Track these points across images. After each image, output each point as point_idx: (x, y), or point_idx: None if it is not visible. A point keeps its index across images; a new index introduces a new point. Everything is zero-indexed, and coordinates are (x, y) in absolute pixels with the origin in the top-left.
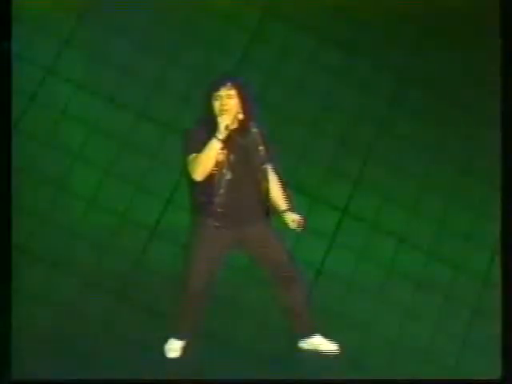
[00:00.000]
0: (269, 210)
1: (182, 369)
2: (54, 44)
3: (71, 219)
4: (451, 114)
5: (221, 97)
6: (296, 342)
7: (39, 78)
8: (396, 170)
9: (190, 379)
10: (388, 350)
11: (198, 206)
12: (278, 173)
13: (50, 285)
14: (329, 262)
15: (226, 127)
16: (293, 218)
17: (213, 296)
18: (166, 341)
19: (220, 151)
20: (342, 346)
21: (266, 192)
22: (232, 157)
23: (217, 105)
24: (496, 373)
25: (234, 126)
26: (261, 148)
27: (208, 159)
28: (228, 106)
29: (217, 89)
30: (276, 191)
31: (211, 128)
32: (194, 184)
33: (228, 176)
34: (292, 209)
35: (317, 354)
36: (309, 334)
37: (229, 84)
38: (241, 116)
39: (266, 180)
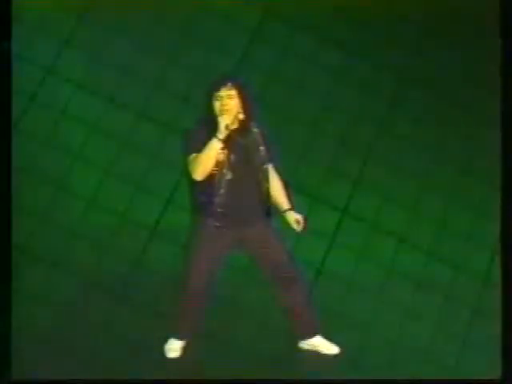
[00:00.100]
0: (269, 210)
1: (182, 369)
2: (54, 44)
3: (71, 219)
4: (451, 114)
5: (221, 97)
6: (296, 342)
7: (39, 78)
8: (396, 170)
9: (190, 379)
10: (388, 349)
11: (198, 205)
12: (278, 173)
13: (49, 285)
14: (329, 262)
15: (227, 127)
16: (295, 218)
17: (213, 296)
18: (165, 341)
19: (220, 151)
20: (342, 346)
21: (267, 192)
22: (232, 157)
23: (217, 105)
24: (496, 373)
25: (235, 126)
26: (261, 148)
27: (208, 159)
28: (228, 106)
29: (217, 89)
30: (277, 191)
31: (212, 128)
32: (194, 184)
33: (228, 176)
34: (293, 208)
35: (317, 354)
36: (309, 335)
37: (229, 84)
38: (241, 116)
39: (267, 180)
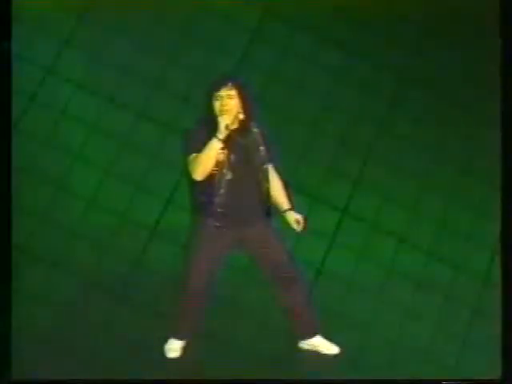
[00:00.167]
0: (269, 210)
1: (182, 369)
2: (54, 44)
3: (71, 219)
4: (451, 114)
5: (221, 97)
6: (296, 342)
7: (39, 78)
8: (396, 170)
9: (190, 379)
10: (388, 349)
11: (198, 205)
12: (278, 173)
13: (50, 285)
14: (329, 262)
15: (227, 127)
16: (295, 218)
17: (213, 296)
18: (165, 341)
19: (220, 151)
20: (342, 346)
21: (267, 192)
22: (232, 157)
23: (217, 105)
24: (496, 373)
25: (235, 126)
26: (261, 148)
27: (208, 159)
28: (228, 106)
29: (217, 89)
30: (277, 190)
31: (212, 128)
32: (194, 184)
33: (228, 176)
34: (293, 208)
35: (317, 354)
36: (309, 335)
37: (229, 84)
38: (241, 116)
39: (267, 180)
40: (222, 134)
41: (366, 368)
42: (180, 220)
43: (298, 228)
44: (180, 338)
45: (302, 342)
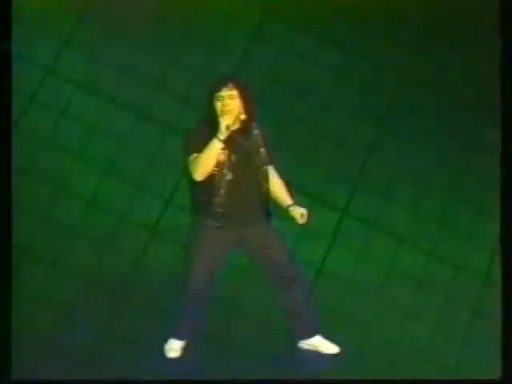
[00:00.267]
0: (269, 210)
1: (182, 369)
2: (54, 44)
3: (71, 219)
4: (451, 114)
5: (222, 97)
6: (296, 342)
7: (39, 78)
8: (396, 170)
9: (190, 379)
10: (388, 349)
11: (198, 206)
12: (278, 173)
13: (50, 285)
14: (329, 262)
15: (227, 127)
16: (300, 212)
17: (213, 296)
18: (166, 341)
19: (221, 151)
20: (342, 346)
21: (267, 193)
22: (233, 157)
23: (218, 105)
24: (496, 373)
25: (236, 126)
26: (262, 150)
27: (209, 159)
28: (230, 107)
29: (218, 89)
30: (279, 188)
31: (212, 128)
32: (194, 184)
33: (229, 176)
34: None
35: (317, 354)
36: (309, 334)
37: (230, 84)
38: (243, 116)
39: (267, 181)
40: (223, 134)
41: (366, 368)
42: (180, 220)
43: (302, 221)
44: (180, 338)
45: (302, 341)
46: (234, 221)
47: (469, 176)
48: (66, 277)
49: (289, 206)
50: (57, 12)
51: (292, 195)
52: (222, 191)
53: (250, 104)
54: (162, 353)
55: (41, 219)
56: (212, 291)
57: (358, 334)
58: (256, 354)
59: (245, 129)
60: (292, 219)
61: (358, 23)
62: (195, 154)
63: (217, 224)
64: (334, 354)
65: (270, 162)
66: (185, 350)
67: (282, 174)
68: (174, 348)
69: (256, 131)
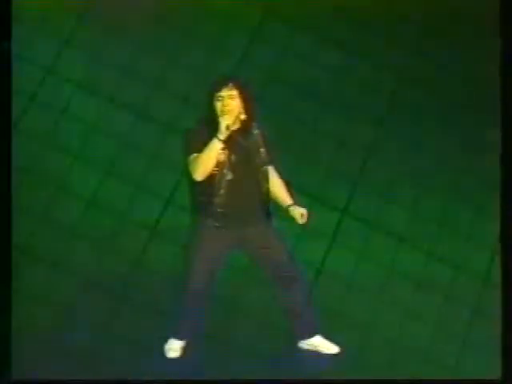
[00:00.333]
0: (269, 210)
1: (182, 369)
2: (54, 44)
3: (71, 219)
4: (451, 114)
5: (222, 97)
6: (296, 342)
7: (39, 78)
8: (396, 170)
9: (190, 379)
10: (388, 349)
11: (198, 206)
12: (278, 173)
13: (50, 285)
14: (329, 262)
15: (228, 127)
16: (300, 212)
17: (213, 296)
18: (166, 341)
19: (221, 151)
20: (342, 346)
21: (267, 193)
22: (233, 157)
23: (218, 105)
24: (496, 373)
25: (236, 126)
26: (262, 150)
27: (209, 159)
28: (230, 107)
29: (218, 89)
30: (279, 187)
31: (213, 128)
32: (194, 184)
33: (228, 176)
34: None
35: (317, 354)
36: (309, 334)
37: (230, 84)
38: (243, 117)
39: (267, 181)
40: (223, 134)
41: (365, 368)
42: (180, 220)
43: (302, 221)
44: (180, 338)
45: (302, 341)
46: (234, 221)
47: (469, 176)
48: (66, 277)
49: (289, 205)
50: (57, 12)
51: (292, 195)
52: (221, 191)
53: (250, 104)
54: (161, 353)
55: (41, 219)
56: (212, 291)
57: (357, 334)
58: (256, 354)
59: (245, 129)
60: (292, 219)
61: (358, 23)
62: (195, 154)
63: (217, 224)
64: (333, 354)
65: (270, 162)
66: (185, 349)
67: (281, 174)
68: (173, 348)
69: (256, 131)
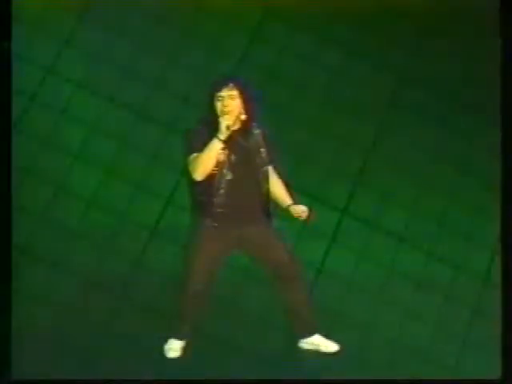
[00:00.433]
0: (269, 210)
1: (182, 369)
2: (53, 44)
3: (71, 219)
4: (451, 114)
5: (223, 97)
6: (296, 342)
7: (39, 78)
8: (396, 170)
9: (190, 379)
10: (388, 349)
11: (197, 205)
12: (278, 173)
13: (50, 285)
14: (329, 262)
15: (228, 128)
16: (302, 210)
17: (213, 296)
18: (166, 341)
19: (221, 151)
20: (342, 346)
21: (267, 193)
22: (233, 157)
23: (219, 105)
24: (496, 373)
25: (236, 126)
26: (262, 150)
27: (209, 159)
28: (230, 107)
29: (219, 89)
30: (279, 188)
31: (213, 128)
32: (194, 184)
33: (228, 176)
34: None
35: (317, 354)
36: (309, 333)
37: (231, 84)
38: (243, 117)
39: (267, 181)
40: (223, 134)
41: (365, 368)
42: (180, 220)
43: (303, 217)
44: (180, 338)
45: (302, 340)
46: (234, 221)
47: (469, 176)
48: (66, 277)
49: (289, 205)
50: (57, 12)
51: (292, 195)
52: (221, 191)
53: (251, 104)
54: (162, 353)
55: (41, 219)
56: (212, 291)
57: (357, 333)
58: (256, 354)
59: (245, 129)
60: (292, 219)
61: (358, 23)
62: (195, 154)
63: (216, 224)
64: (333, 354)
65: (271, 162)
66: (185, 350)
67: (281, 174)
68: (174, 348)
69: (257, 131)
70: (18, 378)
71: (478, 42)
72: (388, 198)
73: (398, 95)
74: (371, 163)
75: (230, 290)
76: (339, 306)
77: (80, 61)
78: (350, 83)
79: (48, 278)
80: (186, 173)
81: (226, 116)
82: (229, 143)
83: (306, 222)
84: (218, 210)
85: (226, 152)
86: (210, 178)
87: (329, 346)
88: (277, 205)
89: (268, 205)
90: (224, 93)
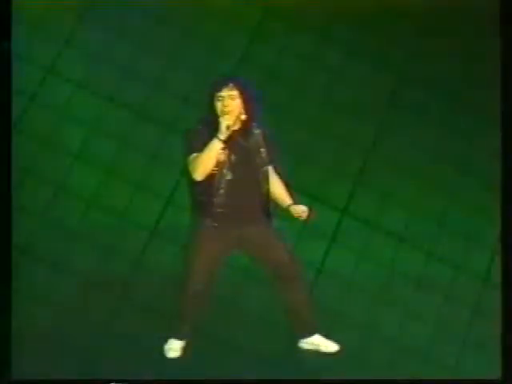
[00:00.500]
0: (269, 210)
1: (182, 369)
2: (53, 44)
3: (71, 219)
4: (451, 114)
5: (223, 97)
6: (296, 342)
7: (39, 78)
8: (396, 170)
9: (190, 379)
10: (388, 349)
11: (197, 205)
12: (278, 173)
13: (50, 285)
14: (329, 262)
15: (228, 128)
16: (302, 209)
17: (213, 296)
18: (165, 341)
19: (221, 151)
20: (342, 346)
21: (267, 193)
22: (233, 157)
23: (219, 105)
24: (496, 373)
25: (237, 126)
26: (262, 150)
27: (209, 159)
28: (230, 107)
29: (219, 89)
30: (279, 188)
31: (213, 128)
32: (194, 184)
33: (228, 176)
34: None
35: (317, 354)
36: (309, 333)
37: (231, 84)
38: (243, 117)
39: (267, 181)
40: (223, 134)
41: (365, 368)
42: (180, 220)
43: (303, 217)
44: (180, 338)
45: (302, 340)
46: (234, 221)
47: (469, 176)
48: (66, 277)
49: (289, 205)
50: (57, 12)
51: (292, 195)
52: (221, 191)
53: (251, 104)
54: (162, 353)
55: (41, 219)
56: (212, 291)
57: (357, 333)
58: (256, 354)
59: (245, 129)
60: (292, 219)
61: (358, 23)
62: (195, 154)
63: (215, 224)
64: (333, 354)
65: (271, 162)
66: (185, 350)
67: (281, 174)
68: (174, 348)
69: (257, 131)
70: (18, 378)
71: (478, 42)
72: (388, 198)
73: (398, 95)
74: (371, 163)
75: (230, 290)
76: (339, 306)
77: (80, 61)
78: (350, 83)
79: (48, 278)
80: (186, 173)
81: (226, 116)
82: (229, 143)
83: (306, 221)
84: (218, 210)
85: (226, 152)
86: (210, 178)
87: (329, 346)
88: (277, 205)
89: (268, 205)
90: (224, 93)
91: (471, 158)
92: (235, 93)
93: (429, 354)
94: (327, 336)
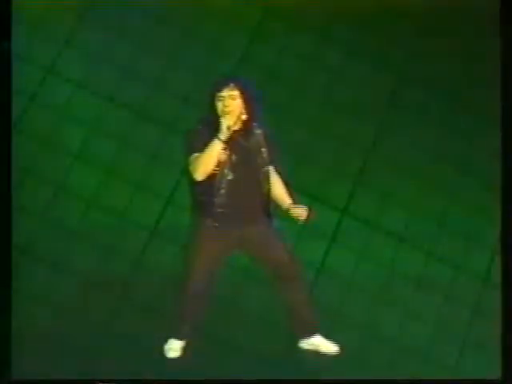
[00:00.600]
0: (270, 211)
1: (182, 369)
2: (53, 44)
3: (71, 219)
4: (451, 114)
5: (223, 97)
6: (296, 342)
7: (39, 78)
8: (396, 170)
9: (190, 379)
10: (388, 349)
11: (198, 205)
12: (278, 173)
13: (50, 285)
14: (329, 262)
15: (229, 128)
16: (301, 211)
17: (213, 296)
18: (166, 341)
19: (222, 151)
20: (341, 346)
21: (268, 193)
22: (234, 157)
23: (220, 105)
24: (496, 373)
25: (237, 126)
26: (263, 150)
27: (209, 159)
28: (231, 107)
29: (220, 89)
30: (279, 189)
31: (214, 128)
32: (194, 184)
33: (229, 176)
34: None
35: (317, 354)
36: (309, 333)
37: (232, 85)
38: (244, 117)
39: (268, 181)
40: (224, 134)
41: (365, 368)
42: (180, 220)
43: (302, 218)
44: (180, 338)
45: (302, 341)
46: (235, 221)
47: (469, 176)
48: (66, 277)
49: (289, 205)
50: (57, 12)
51: (292, 195)
52: (222, 191)
53: (252, 104)
54: (162, 353)
55: (41, 219)
56: (212, 291)
57: (357, 334)
58: (256, 354)
59: (246, 129)
60: (292, 219)
61: (358, 23)
62: (196, 154)
63: (216, 224)
64: (333, 354)
65: (271, 162)
66: (185, 350)
67: (281, 174)
68: (174, 348)
69: (258, 131)
70: (18, 378)
71: (478, 42)
72: (388, 198)
73: (398, 95)
74: (371, 163)
75: (230, 290)
76: (339, 306)
77: (80, 61)
78: (350, 83)
79: (48, 278)
80: (187, 173)
81: (226, 116)
82: (229, 143)
83: (306, 222)
84: (219, 210)
85: (227, 152)
86: (211, 178)
87: (329, 347)
88: (277, 205)
89: (269, 205)
90: (225, 93)
91: (471, 158)
92: (236, 93)
93: (429, 354)
94: (327, 336)
